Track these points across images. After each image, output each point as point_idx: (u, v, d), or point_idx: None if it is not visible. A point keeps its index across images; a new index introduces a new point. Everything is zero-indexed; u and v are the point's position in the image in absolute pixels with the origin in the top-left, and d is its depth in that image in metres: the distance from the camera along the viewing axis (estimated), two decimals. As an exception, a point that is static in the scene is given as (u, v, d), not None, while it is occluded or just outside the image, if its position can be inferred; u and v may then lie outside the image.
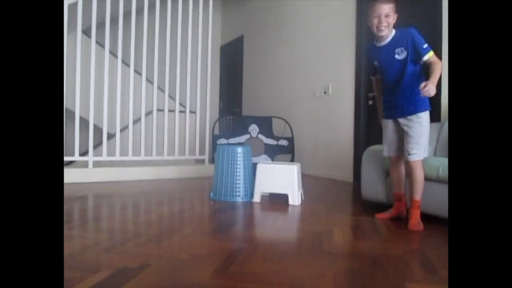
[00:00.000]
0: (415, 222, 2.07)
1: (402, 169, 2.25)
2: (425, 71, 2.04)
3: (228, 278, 1.30)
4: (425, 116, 2.09)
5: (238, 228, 2.08)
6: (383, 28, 2.03)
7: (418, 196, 2.10)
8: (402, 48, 2.05)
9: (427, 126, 2.10)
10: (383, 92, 2.26)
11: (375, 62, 2.21)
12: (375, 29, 2.06)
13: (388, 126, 2.24)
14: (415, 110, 2.08)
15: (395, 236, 1.93)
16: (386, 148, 2.27)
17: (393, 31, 2.09)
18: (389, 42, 2.09)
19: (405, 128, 2.12)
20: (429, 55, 2.01)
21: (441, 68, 1.97)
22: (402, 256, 1.58)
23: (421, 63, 2.05)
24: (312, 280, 1.29)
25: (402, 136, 2.18)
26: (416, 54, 2.04)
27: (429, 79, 1.90)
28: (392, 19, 2.03)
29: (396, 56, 2.07)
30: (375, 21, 2.04)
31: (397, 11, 2.06)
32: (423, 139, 2.09)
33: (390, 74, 2.14)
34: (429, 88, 1.82)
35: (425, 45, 2.01)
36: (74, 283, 1.20)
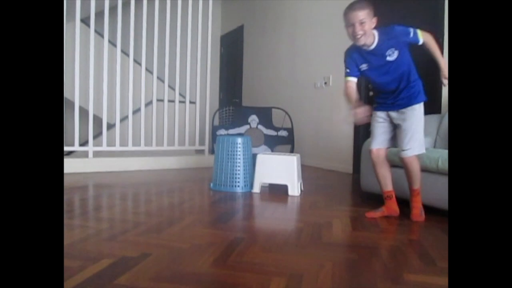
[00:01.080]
0: (418, 212, 2.06)
1: (387, 164, 2.14)
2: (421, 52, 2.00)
3: (228, 267, 1.31)
4: (420, 108, 2.01)
5: (237, 218, 2.09)
6: (359, 37, 1.86)
7: (417, 184, 2.07)
8: (393, 49, 1.92)
9: (422, 118, 2.01)
10: (374, 91, 2.14)
11: (363, 66, 2.01)
12: (351, 39, 1.91)
13: (378, 117, 2.12)
14: (409, 103, 2.00)
15: (393, 227, 1.94)
16: (375, 141, 2.12)
17: (376, 34, 1.92)
18: (378, 46, 1.93)
19: (398, 122, 2.04)
20: (421, 36, 1.92)
21: (434, 40, 1.95)
22: (401, 247, 1.59)
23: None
24: (311, 271, 1.30)
25: (391, 129, 2.11)
26: (411, 45, 1.96)
27: (438, 62, 1.95)
28: (369, 25, 1.86)
29: (388, 58, 1.94)
30: (350, 30, 1.88)
31: (376, 14, 1.90)
32: (418, 133, 2.00)
33: (384, 76, 2.00)
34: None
35: (412, 32, 1.91)
36: (75, 272, 1.21)
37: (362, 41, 1.89)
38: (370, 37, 1.90)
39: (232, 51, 6.76)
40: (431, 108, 3.18)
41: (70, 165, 3.71)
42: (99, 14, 4.09)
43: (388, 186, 2.15)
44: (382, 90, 2.08)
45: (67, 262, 1.28)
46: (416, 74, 2.03)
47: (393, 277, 1.27)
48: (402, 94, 2.01)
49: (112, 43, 4.26)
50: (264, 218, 2.14)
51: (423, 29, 1.97)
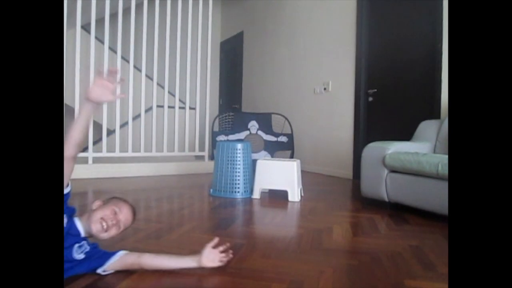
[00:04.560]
0: None
1: None
2: None
3: (228, 274, 1.30)
4: None
5: (237, 224, 2.08)
6: (109, 227, 1.31)
7: None
8: (85, 250, 1.26)
9: None
10: None
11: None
12: (99, 226, 1.29)
13: None
14: None
15: (394, 233, 1.93)
16: None
17: None
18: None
19: None
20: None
21: None
22: (401, 253, 1.58)
23: None
24: (312, 277, 1.29)
25: None
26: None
27: None
28: (117, 229, 1.34)
29: (75, 254, 1.22)
30: (108, 213, 1.32)
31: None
32: None
33: None
34: None
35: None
36: (74, 279, 1.20)
37: (107, 234, 1.31)
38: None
39: (231, 57, 6.79)
40: (431, 113, 3.20)
41: (69, 171, 3.70)
42: (100, 21, 4.11)
43: None
44: None
45: (66, 269, 1.27)
46: None
47: (393, 283, 1.26)
48: None
49: (113, 49, 4.28)
50: (264, 224, 2.13)
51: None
